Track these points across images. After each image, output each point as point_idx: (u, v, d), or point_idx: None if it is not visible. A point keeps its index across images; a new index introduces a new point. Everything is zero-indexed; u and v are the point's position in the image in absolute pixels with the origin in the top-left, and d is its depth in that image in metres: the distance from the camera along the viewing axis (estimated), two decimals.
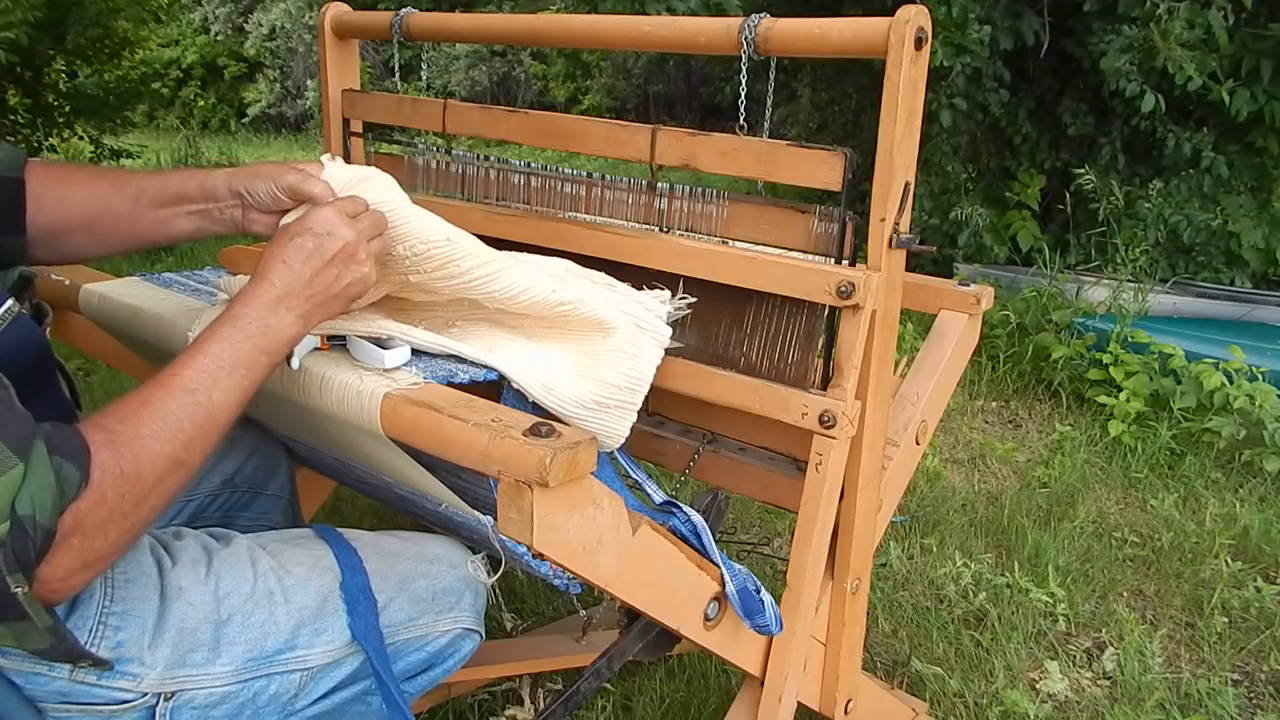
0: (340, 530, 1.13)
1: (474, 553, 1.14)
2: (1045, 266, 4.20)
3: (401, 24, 1.48)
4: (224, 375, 0.88)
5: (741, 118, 1.20)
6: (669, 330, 1.20)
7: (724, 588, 1.11)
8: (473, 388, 0.95)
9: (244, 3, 17.81)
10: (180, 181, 1.05)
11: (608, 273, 1.25)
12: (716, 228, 1.26)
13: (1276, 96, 4.09)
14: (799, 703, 1.26)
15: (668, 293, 1.24)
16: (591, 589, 0.99)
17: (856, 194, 1.14)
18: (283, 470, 1.37)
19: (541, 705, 1.72)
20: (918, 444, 1.41)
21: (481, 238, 1.07)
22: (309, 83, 15.88)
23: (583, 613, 1.76)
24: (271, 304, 0.91)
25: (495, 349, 1.06)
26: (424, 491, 1.06)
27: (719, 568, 1.11)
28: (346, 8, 1.57)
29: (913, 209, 1.17)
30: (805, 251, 1.18)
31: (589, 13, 4.40)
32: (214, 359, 0.88)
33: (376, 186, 1.02)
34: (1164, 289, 4.01)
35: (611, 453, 1.18)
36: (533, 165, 1.42)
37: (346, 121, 1.63)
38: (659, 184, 1.29)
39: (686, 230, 1.28)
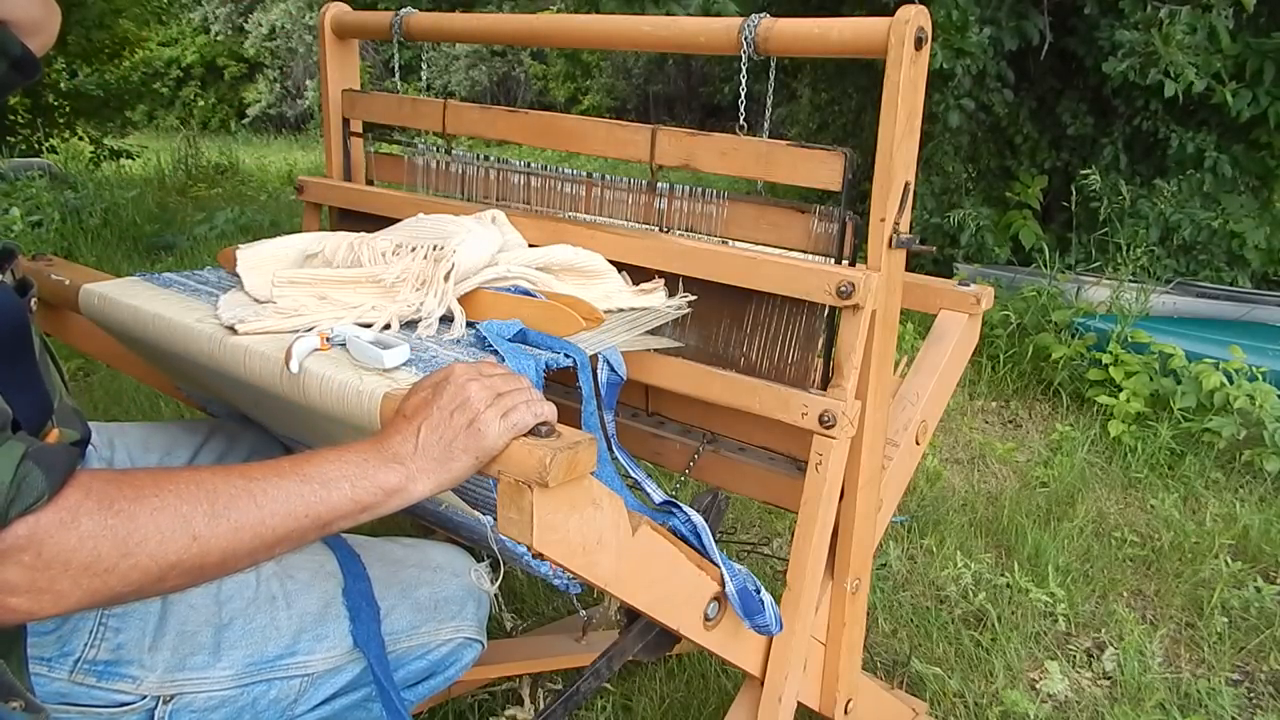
0: (343, 535, 1.13)
1: (476, 558, 1.14)
2: (1046, 266, 4.20)
3: (401, 24, 1.48)
4: (294, 479, 0.79)
5: (741, 118, 1.20)
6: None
7: (724, 588, 1.10)
8: None
9: (244, 3, 17.81)
10: None
11: None
12: (716, 228, 1.26)
13: (1278, 98, 4.09)
14: (799, 703, 1.26)
15: (660, 281, 1.25)
16: (591, 589, 0.99)
17: (856, 194, 1.14)
18: None
19: (541, 705, 1.72)
20: (918, 444, 1.41)
21: None
22: (309, 83, 15.89)
23: (583, 613, 1.76)
24: (379, 452, 0.83)
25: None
26: None
27: (719, 568, 1.11)
28: (346, 8, 1.57)
29: (913, 209, 1.17)
30: (805, 251, 1.18)
31: (589, 13, 4.40)
32: (293, 463, 0.80)
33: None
34: (1165, 289, 4.01)
35: (612, 453, 1.18)
36: (533, 165, 1.42)
37: (346, 121, 1.63)
38: (659, 184, 1.29)
39: (686, 230, 1.28)
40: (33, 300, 0.98)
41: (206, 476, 0.76)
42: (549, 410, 0.87)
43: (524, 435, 0.84)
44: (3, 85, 0.95)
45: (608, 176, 1.34)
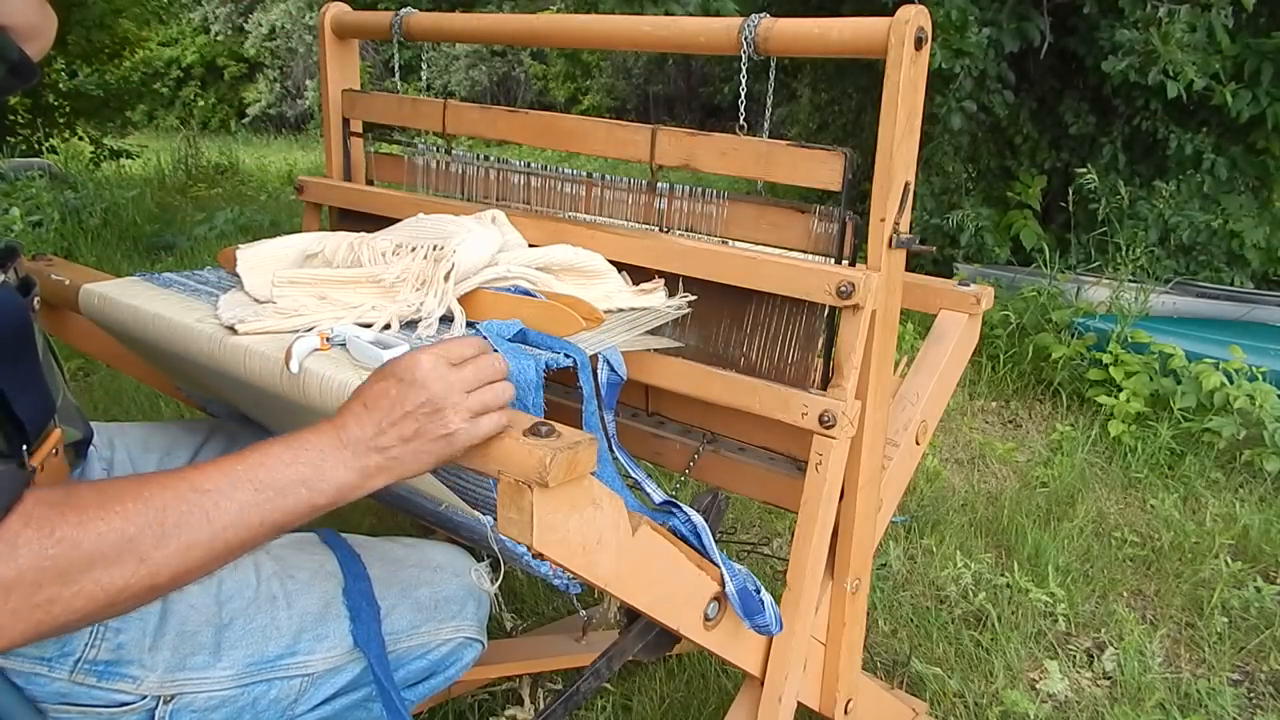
0: (344, 535, 1.13)
1: (476, 558, 1.14)
2: (1046, 266, 4.20)
3: (401, 24, 1.48)
4: (248, 488, 0.76)
5: (741, 118, 1.21)
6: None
7: (724, 588, 1.10)
8: None
9: (244, 3, 17.81)
10: None
11: None
12: (716, 228, 1.26)
13: (1278, 98, 4.09)
14: (799, 703, 1.26)
15: (660, 281, 1.25)
16: (591, 589, 0.99)
17: (856, 194, 1.14)
18: None
19: (541, 705, 1.72)
20: (918, 444, 1.41)
21: None
22: (309, 83, 15.89)
23: (583, 613, 1.76)
24: (336, 444, 0.81)
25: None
26: (423, 491, 1.06)
27: (719, 568, 1.11)
28: (346, 8, 1.57)
29: (913, 209, 1.17)
30: (805, 251, 1.18)
31: (589, 13, 4.41)
32: (248, 468, 0.77)
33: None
34: (1164, 289, 4.01)
35: (612, 453, 1.18)
36: (533, 165, 1.42)
37: (346, 121, 1.63)
38: (659, 184, 1.29)
39: (686, 230, 1.28)
40: (35, 300, 0.98)
41: (155, 492, 0.73)
42: (508, 393, 0.87)
43: (523, 435, 0.84)
44: (3, 88, 0.95)
45: (608, 176, 1.34)
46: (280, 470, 0.78)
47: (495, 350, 0.92)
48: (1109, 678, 1.95)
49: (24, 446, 0.87)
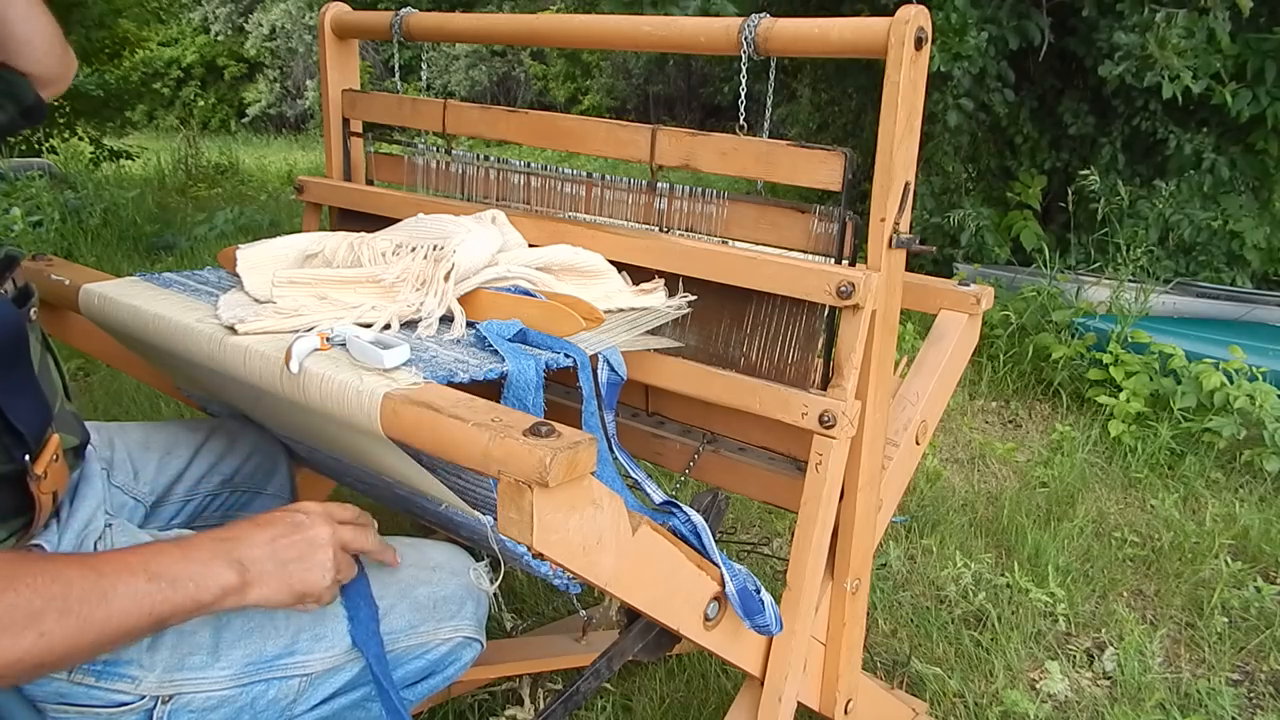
0: None
1: (476, 557, 1.14)
2: (1046, 266, 4.20)
3: (401, 24, 1.48)
4: (142, 577, 0.81)
5: (741, 118, 1.21)
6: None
7: (724, 588, 1.10)
8: (473, 387, 0.95)
9: (244, 3, 17.83)
10: None
11: None
12: (716, 228, 1.26)
13: (1278, 98, 4.09)
14: (799, 703, 1.26)
15: (660, 281, 1.25)
16: (591, 589, 0.99)
17: (856, 194, 1.14)
18: (283, 470, 1.37)
19: (541, 705, 1.72)
20: (918, 444, 1.41)
21: None
22: (309, 83, 15.90)
23: (583, 613, 1.76)
24: (221, 549, 0.88)
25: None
26: (424, 491, 1.06)
27: (719, 568, 1.11)
28: (346, 8, 1.57)
29: (913, 209, 1.17)
30: (805, 251, 1.18)
31: (589, 13, 4.41)
32: (143, 559, 0.83)
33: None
34: (1165, 289, 4.01)
35: (612, 453, 1.18)
36: (533, 165, 1.42)
37: (346, 121, 1.63)
38: (659, 184, 1.29)
39: (686, 230, 1.28)
40: (32, 310, 0.98)
41: (62, 568, 0.77)
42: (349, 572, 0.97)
43: (523, 435, 0.83)
44: (11, 127, 1.01)
45: (608, 176, 1.34)
46: (174, 566, 0.83)
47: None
48: (1109, 678, 1.95)
49: (25, 455, 0.88)
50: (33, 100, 1.05)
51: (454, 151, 1.49)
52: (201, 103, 18.65)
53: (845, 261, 1.15)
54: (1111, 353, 3.33)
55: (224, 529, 0.91)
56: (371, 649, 1.00)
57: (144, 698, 0.91)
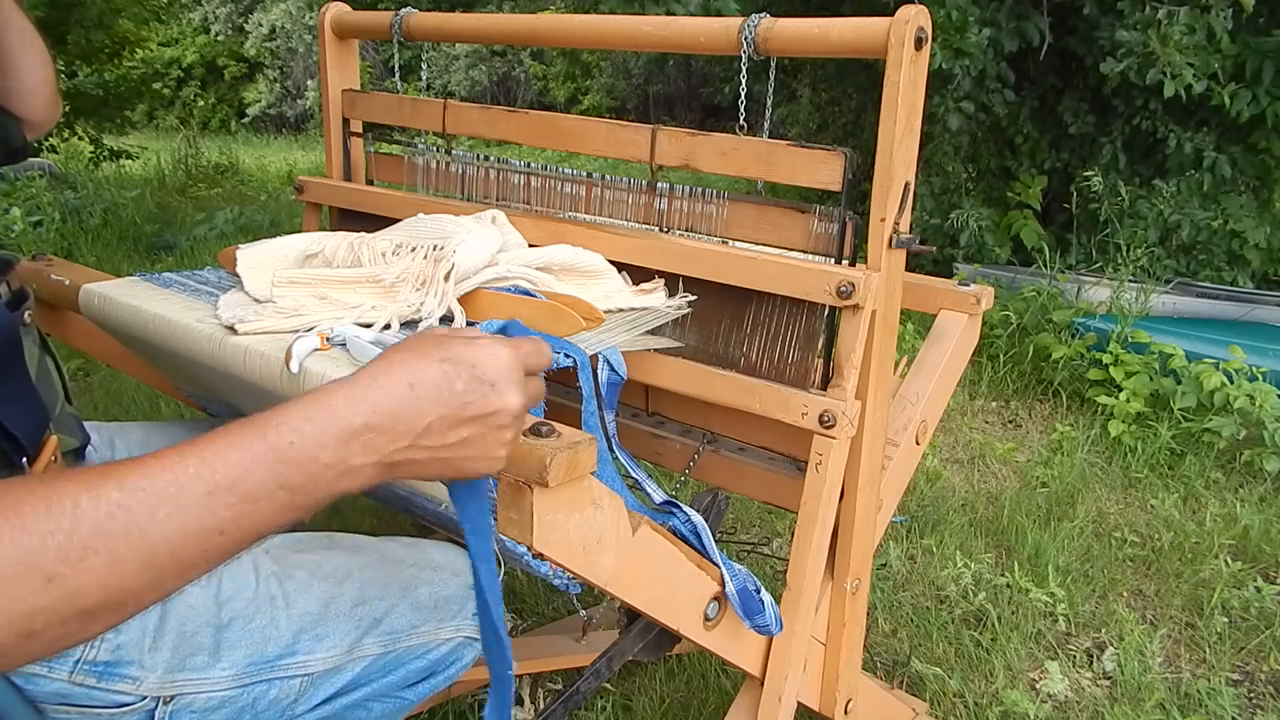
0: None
1: None
2: (1046, 266, 4.20)
3: (401, 24, 1.48)
4: (199, 489, 0.57)
5: (741, 118, 1.20)
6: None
7: (724, 588, 1.10)
8: None
9: (244, 3, 17.83)
10: None
11: None
12: (716, 228, 1.26)
13: (1278, 98, 4.09)
14: (799, 703, 1.26)
15: (660, 281, 1.25)
16: (591, 589, 0.99)
17: (856, 194, 1.14)
18: None
19: (541, 705, 1.72)
20: (918, 444, 1.41)
21: None
22: (309, 83, 15.90)
23: (583, 613, 1.76)
24: (352, 430, 0.61)
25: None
26: (424, 492, 1.06)
27: (719, 568, 1.11)
28: (346, 8, 1.57)
29: (913, 209, 1.17)
30: (805, 251, 1.18)
31: (589, 13, 4.41)
32: (204, 465, 0.58)
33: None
34: (1165, 289, 4.01)
35: (612, 452, 1.18)
36: (533, 165, 1.42)
37: (346, 121, 1.63)
38: (659, 184, 1.29)
39: (686, 230, 1.28)
40: (26, 313, 0.98)
41: (67, 492, 0.55)
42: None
43: (523, 435, 0.83)
44: None
45: (608, 176, 1.34)
46: (250, 470, 0.59)
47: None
48: (1109, 678, 1.95)
49: (23, 459, 0.88)
50: (20, 143, 1.09)
51: (454, 151, 1.49)
52: (201, 103, 18.65)
53: (845, 261, 1.15)
54: (1111, 353, 3.33)
55: (353, 384, 0.63)
56: (485, 567, 0.77)
57: (145, 698, 0.91)
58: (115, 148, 8.48)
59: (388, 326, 1.07)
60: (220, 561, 0.60)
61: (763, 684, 1.22)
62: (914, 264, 3.11)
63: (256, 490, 0.59)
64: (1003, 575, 2.25)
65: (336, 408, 0.62)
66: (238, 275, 1.18)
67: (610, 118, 1.41)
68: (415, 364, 0.65)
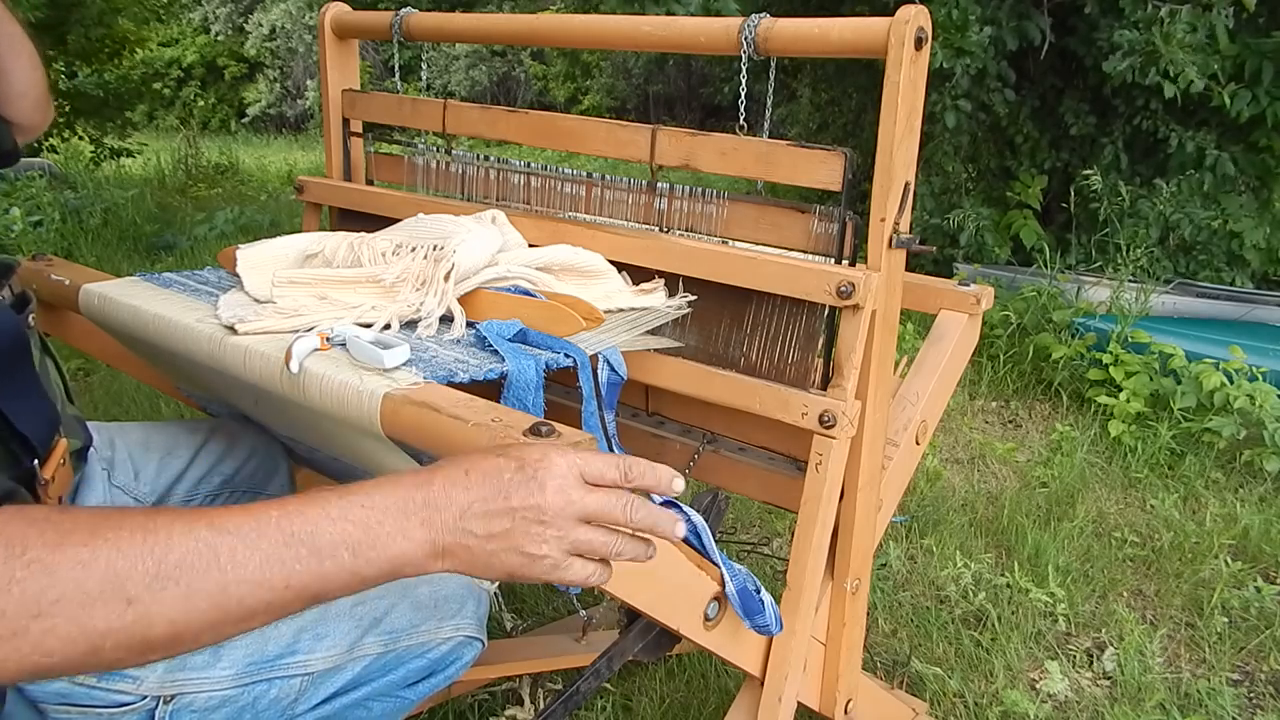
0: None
1: None
2: (1046, 266, 4.20)
3: (401, 24, 1.48)
4: (276, 538, 0.63)
5: (741, 118, 1.21)
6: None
7: (724, 588, 1.10)
8: (473, 387, 0.95)
9: (244, 3, 17.83)
10: None
11: None
12: (716, 228, 1.26)
13: (1278, 98, 4.09)
14: (799, 703, 1.26)
15: (660, 281, 1.25)
16: (591, 589, 0.99)
17: (856, 194, 1.14)
18: (283, 470, 1.37)
19: (541, 705, 1.72)
20: (918, 444, 1.41)
21: None
22: (309, 83, 15.91)
23: (583, 613, 1.76)
24: (413, 503, 0.68)
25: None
26: None
27: (719, 568, 1.11)
28: (346, 8, 1.57)
29: (913, 209, 1.17)
30: (805, 251, 1.18)
31: (589, 13, 4.41)
32: (283, 514, 0.64)
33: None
34: (1165, 289, 4.02)
35: (612, 452, 1.18)
36: (533, 165, 1.42)
37: (346, 121, 1.63)
38: (659, 184, 1.29)
39: (686, 230, 1.28)
40: (30, 316, 0.98)
41: (163, 524, 0.60)
42: (628, 550, 0.75)
43: (523, 435, 0.83)
44: None
45: (608, 176, 1.34)
46: (323, 526, 0.64)
47: (660, 503, 0.78)
48: (1109, 678, 1.95)
49: (34, 460, 0.88)
50: (10, 147, 1.09)
51: (454, 151, 1.49)
52: (201, 103, 18.65)
53: (845, 261, 1.15)
54: (1111, 353, 3.33)
55: (418, 474, 0.69)
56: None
57: (145, 698, 0.91)
58: (115, 147, 8.48)
59: (388, 326, 1.07)
60: (278, 617, 0.64)
61: (763, 684, 1.22)
62: (914, 264, 3.11)
63: (324, 546, 0.64)
64: (1003, 575, 2.25)
65: (404, 482, 0.68)
66: (238, 275, 1.18)
67: (610, 118, 1.41)
68: (478, 455, 0.72)
